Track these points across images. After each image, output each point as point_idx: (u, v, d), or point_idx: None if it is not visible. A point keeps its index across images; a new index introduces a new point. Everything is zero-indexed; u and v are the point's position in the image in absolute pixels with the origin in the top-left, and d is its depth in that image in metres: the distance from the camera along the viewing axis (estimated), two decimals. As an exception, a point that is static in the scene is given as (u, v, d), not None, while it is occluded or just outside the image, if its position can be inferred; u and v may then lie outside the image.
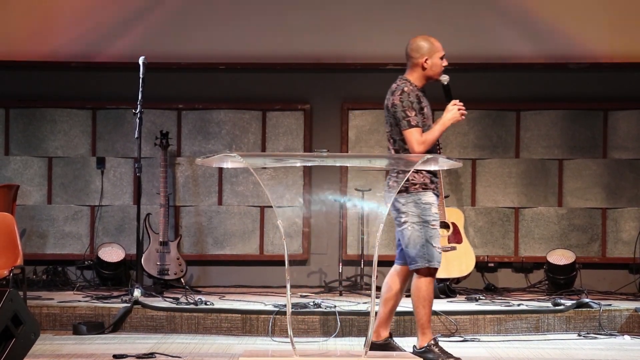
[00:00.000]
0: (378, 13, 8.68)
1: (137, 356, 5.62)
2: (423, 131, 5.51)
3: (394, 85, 5.62)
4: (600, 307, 6.89)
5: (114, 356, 5.58)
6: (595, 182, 8.66)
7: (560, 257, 8.27)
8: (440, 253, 5.52)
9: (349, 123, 8.74)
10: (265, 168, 8.42)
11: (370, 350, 5.26)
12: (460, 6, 8.70)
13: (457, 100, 5.61)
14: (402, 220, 5.52)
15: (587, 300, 7.07)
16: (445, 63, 5.62)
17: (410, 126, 5.48)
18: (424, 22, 8.70)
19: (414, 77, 5.62)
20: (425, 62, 5.58)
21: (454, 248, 7.99)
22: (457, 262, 7.97)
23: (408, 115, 5.49)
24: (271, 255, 8.66)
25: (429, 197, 5.51)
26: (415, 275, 5.55)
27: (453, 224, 8.07)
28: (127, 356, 5.59)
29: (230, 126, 8.73)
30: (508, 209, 8.69)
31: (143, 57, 7.42)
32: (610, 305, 7.08)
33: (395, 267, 5.71)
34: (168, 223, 8.28)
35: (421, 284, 5.51)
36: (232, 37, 8.69)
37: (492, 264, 8.61)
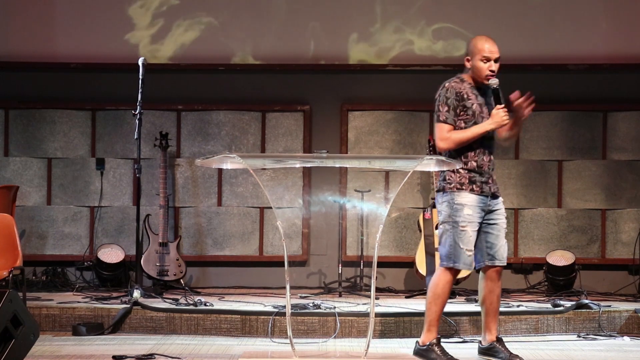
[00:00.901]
0: (377, 14, 8.69)
1: (137, 357, 5.62)
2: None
3: None
4: (600, 308, 6.89)
5: (114, 357, 5.58)
6: (595, 183, 8.66)
7: (560, 258, 8.27)
8: (469, 255, 5.45)
9: (348, 124, 8.74)
10: (264, 169, 8.43)
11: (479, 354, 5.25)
12: (458, 7, 8.70)
13: (502, 106, 5.52)
14: (440, 219, 5.51)
15: (586, 301, 7.07)
16: (492, 67, 5.57)
17: (438, 121, 5.48)
18: (421, 23, 8.71)
19: (467, 74, 5.63)
20: (467, 61, 5.60)
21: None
22: (457, 263, 7.96)
23: (440, 109, 5.48)
24: (271, 256, 8.66)
25: (463, 197, 5.45)
26: (437, 271, 5.53)
27: (452, 225, 8.06)
28: (126, 357, 5.59)
29: (230, 127, 8.73)
30: (507, 210, 8.62)
31: (142, 58, 7.42)
32: (609, 306, 7.08)
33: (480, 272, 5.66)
34: (167, 224, 8.28)
35: (439, 281, 5.50)
36: (232, 39, 8.70)
37: (491, 265, 8.59)
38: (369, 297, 5.19)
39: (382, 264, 8.23)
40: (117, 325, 6.68)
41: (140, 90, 7.32)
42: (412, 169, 5.38)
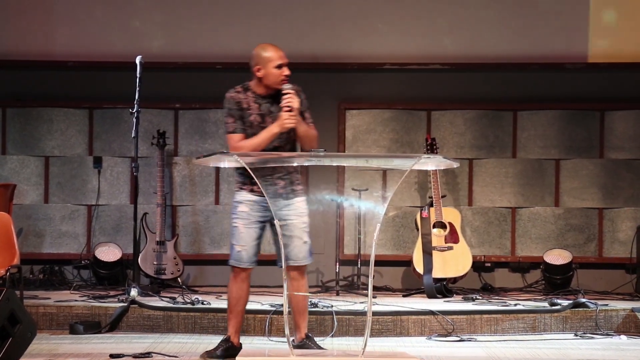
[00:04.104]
0: (375, 13, 8.69)
1: (134, 356, 5.61)
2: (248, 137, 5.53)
3: None
4: (597, 307, 6.89)
5: (111, 356, 5.58)
6: (592, 182, 8.66)
7: (557, 257, 8.28)
8: (239, 251, 5.61)
9: (345, 123, 8.74)
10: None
11: None
12: (456, 6, 8.71)
13: (289, 108, 5.50)
14: None
15: (583, 300, 7.08)
16: (285, 72, 5.58)
17: (228, 132, 5.57)
18: (421, 22, 8.72)
19: (254, 83, 5.64)
20: (257, 71, 5.60)
21: (450, 248, 8.00)
22: (454, 262, 7.98)
23: (226, 121, 5.57)
24: (268, 255, 8.60)
25: (242, 196, 5.56)
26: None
27: (450, 223, 8.08)
28: (123, 356, 5.59)
29: (227, 126, 8.72)
30: (505, 209, 8.70)
31: (140, 56, 7.42)
32: (606, 305, 7.08)
33: None
34: (165, 222, 8.28)
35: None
36: (229, 37, 8.69)
37: (488, 264, 8.61)
38: (367, 295, 5.18)
39: (379, 262, 8.24)
40: (115, 324, 6.67)
41: (137, 89, 7.32)
42: (410, 168, 5.37)
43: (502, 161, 8.70)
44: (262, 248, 8.59)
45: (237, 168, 5.53)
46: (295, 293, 5.60)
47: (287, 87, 5.55)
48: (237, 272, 5.70)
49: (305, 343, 5.59)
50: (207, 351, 5.61)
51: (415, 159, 5.24)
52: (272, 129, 5.52)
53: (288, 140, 5.61)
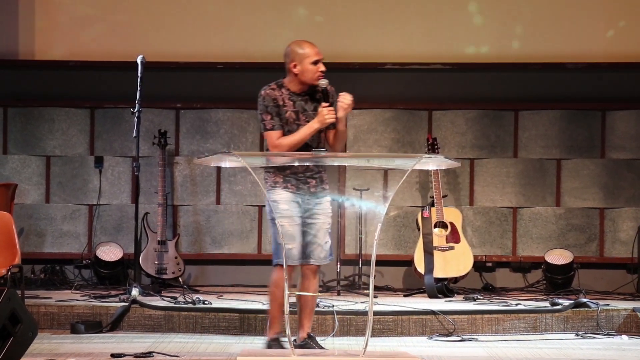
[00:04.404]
0: (376, 12, 8.69)
1: (135, 355, 5.61)
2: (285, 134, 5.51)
3: None
4: (598, 307, 6.89)
5: (112, 355, 5.58)
6: (593, 182, 8.66)
7: (558, 256, 8.27)
8: (290, 249, 5.44)
9: (347, 122, 8.72)
10: (263, 167, 8.41)
11: None
12: (457, 6, 8.70)
13: (328, 104, 5.51)
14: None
15: (584, 300, 7.08)
16: (321, 68, 5.57)
17: (266, 130, 5.53)
18: (421, 21, 8.72)
19: (288, 80, 5.62)
20: (293, 67, 5.57)
21: (451, 248, 8.00)
22: (455, 262, 7.98)
23: (264, 119, 5.53)
24: (269, 255, 8.54)
25: (277, 194, 5.50)
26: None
27: (451, 223, 8.08)
28: (125, 355, 5.59)
29: (229, 125, 8.73)
30: (506, 209, 8.69)
31: (141, 56, 7.42)
32: (608, 305, 7.08)
33: None
34: (166, 222, 8.28)
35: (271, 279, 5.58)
36: (231, 36, 8.69)
37: (490, 264, 8.60)
38: (368, 295, 5.18)
39: (380, 262, 8.22)
40: (116, 324, 6.68)
41: (139, 89, 7.32)
42: (411, 168, 5.37)
43: (503, 161, 8.70)
44: (263, 248, 8.68)
45: (268, 166, 5.51)
46: (297, 293, 5.59)
47: (323, 83, 5.54)
48: (289, 271, 5.49)
49: (307, 343, 5.59)
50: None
51: (417, 158, 5.23)
52: (313, 125, 5.50)
53: (319, 138, 5.59)
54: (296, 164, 5.47)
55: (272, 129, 5.51)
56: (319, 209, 5.58)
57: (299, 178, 5.53)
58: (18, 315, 5.01)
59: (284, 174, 5.52)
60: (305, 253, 5.55)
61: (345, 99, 5.51)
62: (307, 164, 5.45)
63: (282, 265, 5.37)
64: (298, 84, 5.59)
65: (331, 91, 5.59)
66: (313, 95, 5.60)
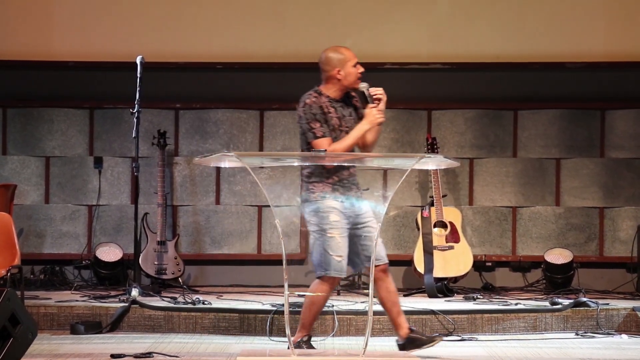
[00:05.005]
0: (375, 12, 8.68)
1: (135, 356, 5.62)
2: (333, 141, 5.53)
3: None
4: (598, 306, 6.89)
5: (112, 356, 5.58)
6: (593, 181, 8.66)
7: (558, 256, 8.28)
8: (339, 262, 5.45)
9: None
10: (262, 167, 8.41)
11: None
12: (456, 6, 8.70)
13: (374, 105, 5.56)
14: (309, 229, 5.59)
15: (584, 299, 7.08)
16: (360, 70, 5.62)
17: (316, 138, 5.51)
18: (421, 21, 8.71)
19: (326, 87, 5.64)
20: (337, 73, 5.60)
21: (451, 247, 8.00)
22: (455, 262, 7.98)
23: (312, 127, 5.52)
24: (269, 255, 8.66)
25: (328, 204, 5.49)
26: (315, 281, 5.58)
27: (450, 223, 8.08)
28: (124, 356, 5.59)
29: (228, 125, 8.73)
30: (505, 208, 8.70)
31: (140, 56, 7.42)
32: (607, 304, 7.08)
33: None
34: (166, 222, 8.28)
35: (315, 290, 5.54)
36: (230, 37, 8.69)
37: (489, 263, 8.61)
38: (367, 295, 5.19)
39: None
40: (115, 324, 6.68)
41: (138, 89, 7.32)
42: (410, 167, 5.37)
43: (502, 160, 8.70)
44: (263, 248, 8.68)
45: (313, 174, 5.51)
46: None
47: (363, 86, 5.60)
48: (335, 283, 5.60)
49: (412, 337, 5.61)
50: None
51: (416, 158, 5.24)
52: (362, 127, 5.55)
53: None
54: (296, 164, 5.48)
55: (323, 136, 5.51)
56: (366, 212, 5.60)
57: (344, 185, 5.55)
58: (18, 316, 5.01)
59: (331, 182, 5.52)
60: (367, 256, 5.54)
61: (379, 90, 5.58)
62: (348, 167, 5.48)
63: (329, 277, 5.44)
64: (338, 90, 5.63)
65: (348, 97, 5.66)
66: (347, 101, 5.65)
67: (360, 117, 5.64)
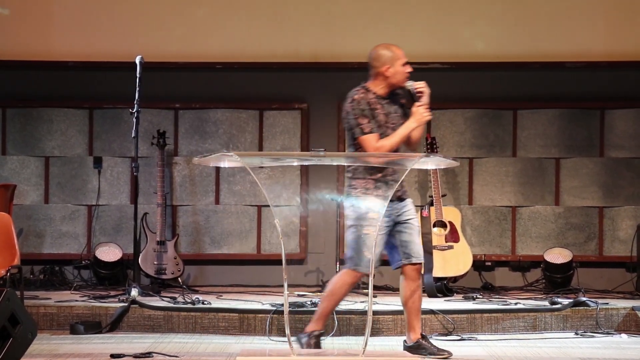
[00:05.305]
0: (375, 12, 8.68)
1: (135, 356, 5.62)
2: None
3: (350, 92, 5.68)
4: (598, 306, 6.89)
5: (112, 356, 5.58)
6: (592, 181, 8.66)
7: (557, 255, 8.28)
8: (369, 259, 5.45)
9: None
10: (262, 167, 8.42)
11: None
12: (456, 5, 8.70)
13: (421, 103, 5.60)
14: (346, 223, 5.63)
15: (584, 298, 7.08)
16: (409, 69, 5.66)
17: (363, 134, 5.54)
18: (420, 21, 8.71)
19: (373, 83, 5.67)
20: (387, 70, 5.62)
21: (451, 247, 8.00)
22: (454, 261, 7.97)
23: (360, 122, 5.54)
24: (268, 255, 8.66)
25: (368, 201, 5.52)
26: (340, 272, 5.67)
27: (450, 222, 8.08)
28: (124, 356, 5.59)
29: (227, 125, 8.73)
30: (505, 208, 8.70)
31: (140, 56, 7.42)
32: (607, 303, 7.08)
33: None
34: (165, 222, 8.28)
35: (339, 280, 5.64)
36: (229, 37, 8.69)
37: (489, 263, 8.61)
38: (367, 295, 5.19)
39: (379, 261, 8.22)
40: (115, 324, 6.68)
41: (137, 89, 7.32)
42: (410, 167, 5.38)
43: (502, 160, 8.70)
44: (262, 248, 8.68)
45: (357, 170, 5.55)
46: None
47: (409, 84, 5.63)
48: (360, 278, 5.67)
49: (421, 343, 5.64)
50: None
51: (415, 158, 5.24)
52: (410, 125, 5.57)
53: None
54: (295, 163, 5.48)
55: (370, 132, 5.54)
56: (408, 211, 5.65)
57: (388, 182, 5.57)
58: (17, 316, 5.02)
59: (375, 179, 5.55)
60: (405, 253, 5.60)
61: (421, 84, 5.63)
62: (395, 166, 5.48)
63: (357, 272, 5.51)
64: (385, 87, 5.66)
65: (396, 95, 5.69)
66: (393, 98, 5.68)
67: (406, 115, 5.68)
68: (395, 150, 5.59)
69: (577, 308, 6.91)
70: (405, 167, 5.40)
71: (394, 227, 5.62)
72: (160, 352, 5.77)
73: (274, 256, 8.58)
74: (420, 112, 5.57)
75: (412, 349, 5.65)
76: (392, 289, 8.38)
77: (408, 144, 5.70)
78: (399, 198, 5.65)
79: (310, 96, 8.77)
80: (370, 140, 5.53)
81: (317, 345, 5.61)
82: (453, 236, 8.05)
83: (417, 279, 5.65)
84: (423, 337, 5.70)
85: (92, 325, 6.62)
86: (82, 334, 6.51)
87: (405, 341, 5.74)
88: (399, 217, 5.62)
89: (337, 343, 6.31)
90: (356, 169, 5.59)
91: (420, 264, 5.68)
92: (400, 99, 5.73)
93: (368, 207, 5.52)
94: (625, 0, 8.70)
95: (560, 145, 8.70)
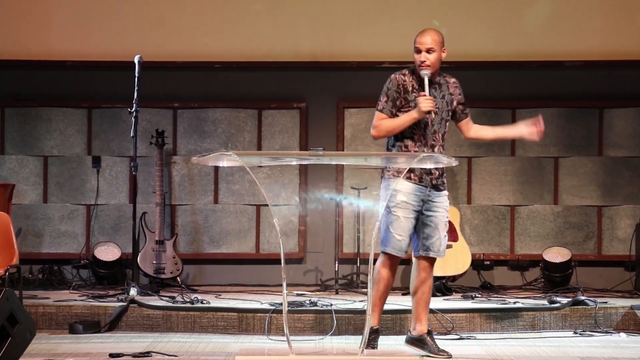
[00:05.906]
0: (374, 12, 8.69)
1: (134, 355, 5.62)
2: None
3: None
4: (596, 305, 6.90)
5: (110, 355, 5.58)
6: (591, 180, 8.67)
7: (556, 254, 8.28)
8: (399, 240, 5.54)
9: (344, 121, 8.74)
10: (261, 167, 8.42)
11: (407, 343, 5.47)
12: (454, 5, 8.71)
13: (424, 93, 5.58)
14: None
15: (582, 297, 7.08)
16: (422, 58, 5.63)
17: (376, 110, 5.66)
18: (419, 20, 8.70)
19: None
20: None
21: (449, 246, 8.00)
22: (453, 260, 7.98)
23: (380, 99, 5.65)
24: (267, 254, 8.66)
25: (399, 184, 5.53)
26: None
27: (449, 222, 8.06)
28: (123, 355, 5.59)
29: (226, 125, 8.73)
30: (504, 207, 8.70)
31: (138, 55, 7.42)
32: (606, 302, 7.09)
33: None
34: (164, 222, 8.28)
35: (377, 265, 5.70)
36: (228, 36, 8.69)
37: (488, 262, 8.61)
38: (366, 294, 5.19)
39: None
40: (114, 323, 6.68)
41: (136, 88, 7.32)
42: (409, 166, 5.38)
43: (501, 159, 8.70)
44: (261, 247, 8.69)
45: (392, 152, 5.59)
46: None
47: (424, 74, 5.61)
48: (394, 261, 5.69)
49: (425, 338, 5.65)
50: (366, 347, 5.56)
51: (414, 157, 5.24)
52: (412, 114, 5.57)
53: (445, 126, 5.71)
54: (294, 163, 5.49)
55: (380, 111, 5.63)
56: (438, 202, 5.64)
57: (424, 168, 5.55)
58: (16, 316, 5.01)
59: None
60: (425, 245, 5.63)
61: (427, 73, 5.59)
62: (432, 154, 5.44)
63: (388, 254, 5.57)
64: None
65: (437, 82, 5.68)
66: (440, 83, 5.71)
67: (450, 102, 5.73)
68: (425, 132, 5.56)
69: (575, 307, 6.91)
70: (404, 165, 5.41)
71: (422, 215, 5.61)
72: (159, 351, 5.77)
73: (272, 255, 8.59)
74: (421, 102, 5.54)
75: (415, 340, 5.66)
76: (393, 289, 8.37)
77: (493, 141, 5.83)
78: (435, 187, 5.62)
79: (309, 95, 8.77)
80: (376, 116, 5.64)
81: (373, 347, 5.62)
82: (452, 235, 8.05)
83: (429, 271, 5.69)
84: (429, 332, 5.71)
85: (91, 324, 6.62)
86: (81, 334, 6.51)
87: (409, 331, 5.74)
88: (428, 207, 5.61)
89: (336, 342, 6.32)
90: (390, 152, 5.64)
91: (435, 259, 5.70)
92: (449, 86, 5.76)
93: (398, 189, 5.53)
94: (623, 0, 8.70)
95: (559, 145, 8.70)
